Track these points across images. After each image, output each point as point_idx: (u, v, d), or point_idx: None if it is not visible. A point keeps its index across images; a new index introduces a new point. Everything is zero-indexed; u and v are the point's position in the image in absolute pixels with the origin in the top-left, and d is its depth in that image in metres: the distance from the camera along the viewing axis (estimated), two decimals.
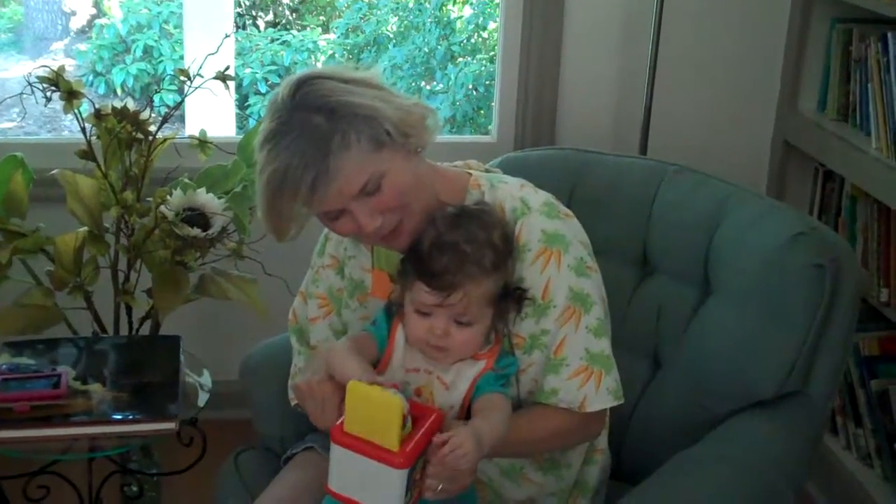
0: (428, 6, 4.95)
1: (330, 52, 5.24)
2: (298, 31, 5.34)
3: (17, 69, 5.31)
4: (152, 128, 2.14)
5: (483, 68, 4.80)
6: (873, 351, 2.46)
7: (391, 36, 5.15)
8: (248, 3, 5.39)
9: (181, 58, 3.97)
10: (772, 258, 1.76)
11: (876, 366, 2.46)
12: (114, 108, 2.12)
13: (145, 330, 2.28)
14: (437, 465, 1.35)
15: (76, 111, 2.10)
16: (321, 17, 5.54)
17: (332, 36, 5.35)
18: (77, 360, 2.04)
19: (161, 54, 5.04)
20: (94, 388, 1.90)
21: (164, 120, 2.18)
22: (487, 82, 4.75)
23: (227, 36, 2.28)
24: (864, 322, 2.33)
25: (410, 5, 5.09)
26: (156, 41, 5.05)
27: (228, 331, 2.71)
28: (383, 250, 1.61)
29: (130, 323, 2.26)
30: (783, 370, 1.74)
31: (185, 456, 1.97)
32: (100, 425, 1.83)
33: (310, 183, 1.39)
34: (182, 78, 2.15)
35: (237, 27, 4.91)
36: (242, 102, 4.94)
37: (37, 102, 2.07)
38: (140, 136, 2.13)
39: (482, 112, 4.78)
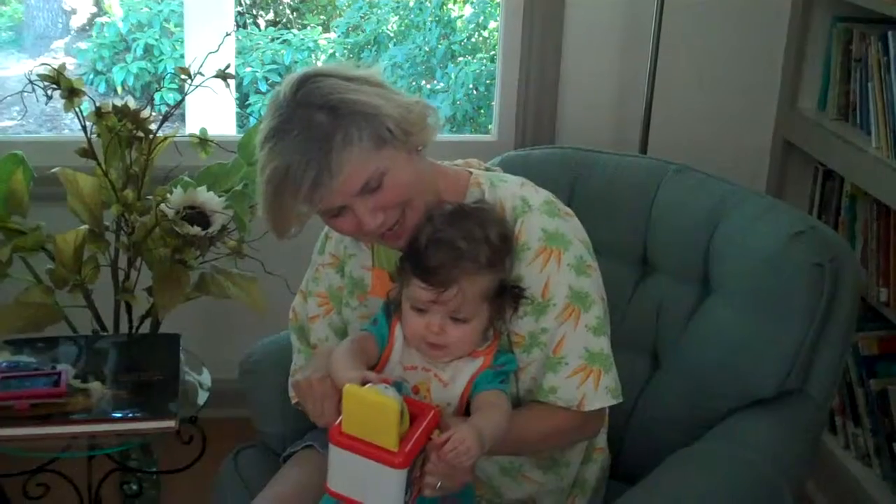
0: (428, 5, 4.95)
1: (330, 50, 5.23)
2: (299, 29, 5.33)
3: (18, 67, 5.30)
4: (153, 126, 2.14)
5: (483, 67, 4.79)
6: (872, 350, 2.46)
7: (392, 35, 5.14)
8: (248, 2, 5.39)
9: (182, 56, 3.96)
10: (771, 257, 1.76)
11: (875, 365, 2.46)
12: (114, 107, 2.12)
13: (145, 328, 2.28)
14: (439, 462, 1.35)
15: (77, 109, 2.10)
16: (322, 16, 5.53)
17: (332, 35, 5.35)
18: (77, 359, 2.04)
19: (162, 53, 5.03)
20: (94, 386, 1.91)
21: (165, 118, 2.18)
22: (488, 81, 4.74)
23: (227, 34, 2.27)
24: (863, 321, 2.33)
25: (411, 4, 5.09)
26: (156, 40, 5.04)
27: (228, 329, 2.71)
28: (383, 249, 1.61)
29: (130, 321, 2.26)
30: (782, 369, 1.74)
31: (184, 454, 1.97)
32: (99, 423, 1.84)
33: (311, 180, 1.39)
34: (183, 76, 2.15)
35: (238, 26, 4.90)
36: (243, 101, 4.94)
37: (37, 101, 2.06)
38: (140, 134, 2.13)
39: (482, 111, 4.77)
